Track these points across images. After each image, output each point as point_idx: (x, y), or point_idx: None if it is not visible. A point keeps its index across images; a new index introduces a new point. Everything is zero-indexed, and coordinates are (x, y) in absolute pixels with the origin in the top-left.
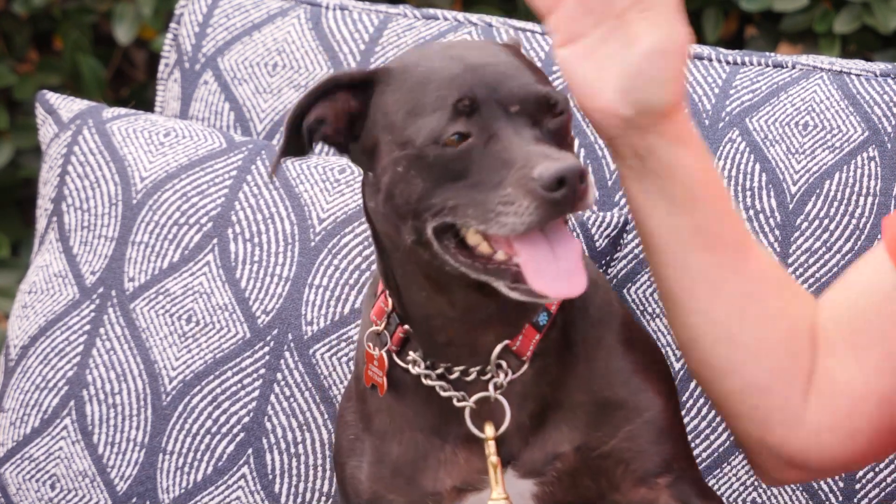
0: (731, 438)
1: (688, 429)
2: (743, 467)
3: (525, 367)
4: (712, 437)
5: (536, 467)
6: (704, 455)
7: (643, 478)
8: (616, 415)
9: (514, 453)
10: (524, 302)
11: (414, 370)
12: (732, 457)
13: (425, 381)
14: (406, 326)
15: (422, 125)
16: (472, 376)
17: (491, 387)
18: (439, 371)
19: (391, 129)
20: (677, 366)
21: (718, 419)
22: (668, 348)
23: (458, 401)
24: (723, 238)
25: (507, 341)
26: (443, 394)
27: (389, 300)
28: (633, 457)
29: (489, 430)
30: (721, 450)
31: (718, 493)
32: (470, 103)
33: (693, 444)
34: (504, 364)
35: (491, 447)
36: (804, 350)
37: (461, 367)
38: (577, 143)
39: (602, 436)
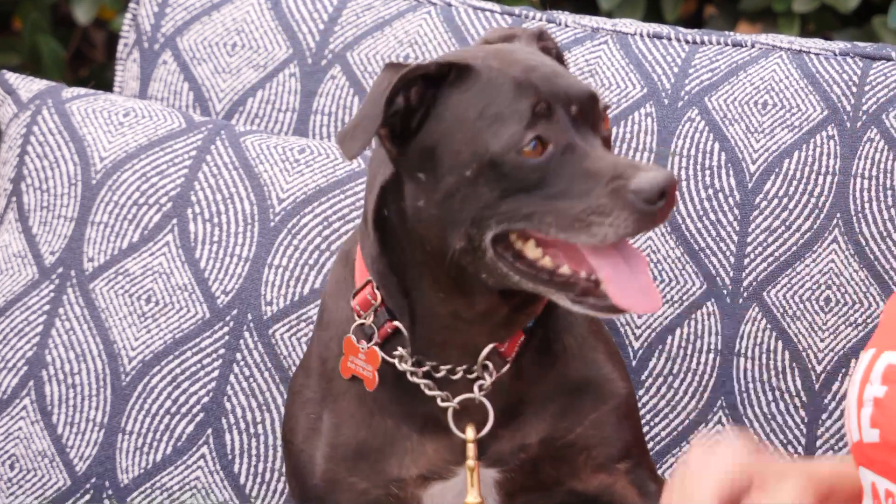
0: (691, 417)
1: (647, 408)
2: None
3: (507, 367)
4: (671, 416)
5: (503, 458)
6: (664, 434)
7: (603, 464)
8: (584, 402)
9: (484, 447)
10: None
11: (400, 366)
12: (692, 435)
13: (411, 378)
14: (395, 323)
15: (498, 130)
16: (459, 375)
17: (476, 388)
18: (425, 369)
19: (461, 131)
20: (636, 344)
21: (678, 398)
22: (626, 328)
23: (443, 401)
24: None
25: (495, 343)
26: (428, 392)
27: (378, 293)
28: (597, 444)
29: (470, 433)
30: (680, 428)
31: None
32: (547, 106)
33: (652, 423)
34: (490, 365)
35: (471, 450)
36: None
37: (448, 367)
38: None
39: (568, 425)
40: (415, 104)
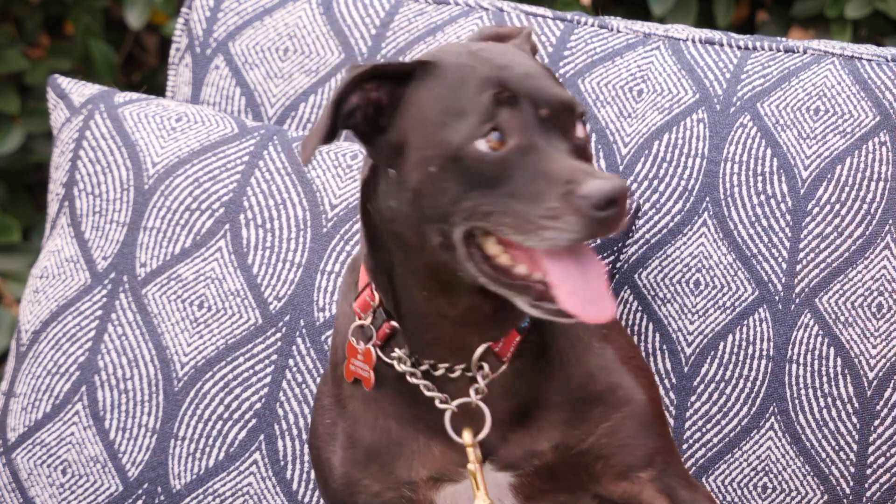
0: (742, 423)
1: (699, 414)
2: (753, 452)
3: (503, 367)
4: (723, 423)
5: (513, 462)
6: (715, 440)
7: (623, 472)
8: (593, 412)
9: (492, 449)
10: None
11: (399, 367)
12: (743, 442)
13: (410, 380)
14: (393, 323)
15: (459, 124)
16: (457, 373)
17: (472, 392)
18: (424, 368)
19: (424, 127)
20: (688, 350)
21: (730, 404)
22: (678, 333)
23: (441, 402)
24: None
25: (489, 343)
26: (427, 393)
27: (377, 295)
28: (613, 452)
29: (467, 437)
30: (732, 435)
31: (728, 477)
32: (510, 97)
33: (704, 429)
34: (485, 366)
35: (471, 454)
36: None
37: (445, 365)
38: (588, 127)
39: (580, 434)
40: (385, 102)
